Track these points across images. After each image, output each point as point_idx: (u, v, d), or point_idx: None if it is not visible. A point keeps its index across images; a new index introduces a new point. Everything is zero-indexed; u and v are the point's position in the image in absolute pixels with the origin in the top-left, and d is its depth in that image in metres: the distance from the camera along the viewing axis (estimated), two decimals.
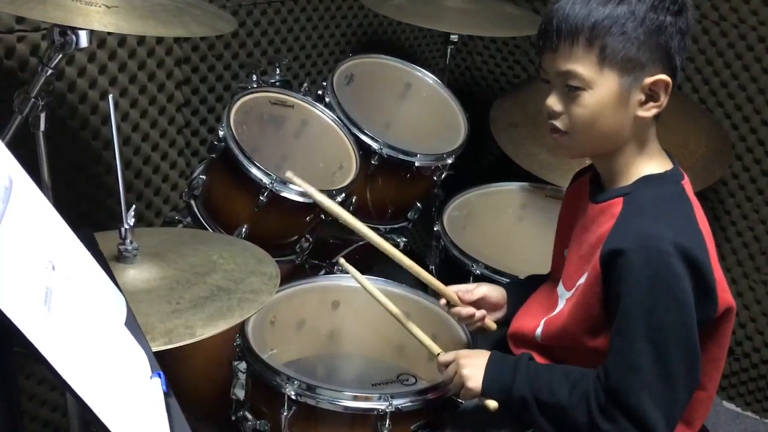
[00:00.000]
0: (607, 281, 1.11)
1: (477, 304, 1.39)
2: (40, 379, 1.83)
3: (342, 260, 1.51)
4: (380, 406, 1.35)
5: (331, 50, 2.45)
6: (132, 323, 0.93)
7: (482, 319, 1.39)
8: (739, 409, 2.43)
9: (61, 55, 1.34)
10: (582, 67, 1.11)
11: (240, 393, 1.54)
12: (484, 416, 1.27)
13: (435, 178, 2.03)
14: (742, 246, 2.34)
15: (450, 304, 1.40)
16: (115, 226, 1.30)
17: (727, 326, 1.15)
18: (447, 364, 1.28)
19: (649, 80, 1.11)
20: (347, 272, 1.49)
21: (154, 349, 0.97)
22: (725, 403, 2.45)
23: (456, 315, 1.41)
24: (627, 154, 1.17)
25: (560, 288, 1.26)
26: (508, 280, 1.72)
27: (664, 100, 1.13)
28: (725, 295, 1.11)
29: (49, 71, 1.35)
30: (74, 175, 1.83)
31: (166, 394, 0.84)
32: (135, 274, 1.26)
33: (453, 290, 1.40)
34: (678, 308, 1.06)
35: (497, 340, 1.42)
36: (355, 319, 1.71)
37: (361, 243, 2.06)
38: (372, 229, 2.01)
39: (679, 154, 2.14)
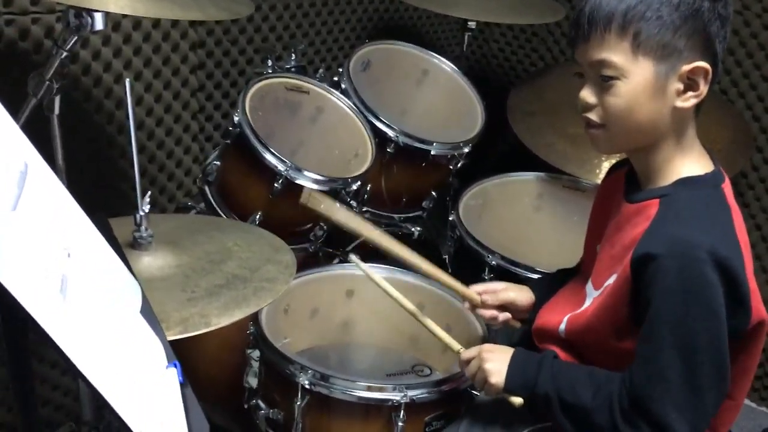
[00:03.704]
0: (637, 285, 1.07)
1: (503, 307, 1.38)
2: (53, 363, 1.83)
3: (354, 257, 1.49)
4: (395, 396, 1.33)
5: (347, 36, 2.42)
6: (147, 311, 0.92)
7: (506, 321, 1.38)
8: (754, 405, 2.41)
9: (75, 38, 1.32)
10: (615, 54, 1.07)
11: (253, 381, 1.53)
12: (500, 408, 1.25)
13: (451, 166, 2.01)
14: (760, 240, 2.31)
15: (473, 306, 1.39)
16: (128, 212, 1.28)
17: (759, 338, 1.11)
18: (469, 360, 1.26)
19: (687, 68, 1.06)
20: (360, 269, 1.47)
21: (170, 337, 0.95)
22: None
23: (479, 316, 1.40)
24: (665, 150, 1.12)
25: (589, 286, 1.23)
26: (524, 272, 1.70)
27: (704, 89, 1.08)
28: (759, 307, 1.07)
29: (64, 54, 1.34)
30: (88, 160, 1.82)
31: (182, 385, 0.83)
32: (150, 261, 1.24)
33: (478, 289, 1.38)
34: (709, 318, 1.02)
35: (521, 335, 1.40)
36: (369, 309, 1.69)
37: None
38: (386, 217, 2.03)
39: None
